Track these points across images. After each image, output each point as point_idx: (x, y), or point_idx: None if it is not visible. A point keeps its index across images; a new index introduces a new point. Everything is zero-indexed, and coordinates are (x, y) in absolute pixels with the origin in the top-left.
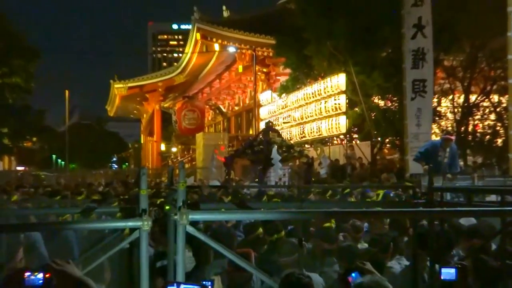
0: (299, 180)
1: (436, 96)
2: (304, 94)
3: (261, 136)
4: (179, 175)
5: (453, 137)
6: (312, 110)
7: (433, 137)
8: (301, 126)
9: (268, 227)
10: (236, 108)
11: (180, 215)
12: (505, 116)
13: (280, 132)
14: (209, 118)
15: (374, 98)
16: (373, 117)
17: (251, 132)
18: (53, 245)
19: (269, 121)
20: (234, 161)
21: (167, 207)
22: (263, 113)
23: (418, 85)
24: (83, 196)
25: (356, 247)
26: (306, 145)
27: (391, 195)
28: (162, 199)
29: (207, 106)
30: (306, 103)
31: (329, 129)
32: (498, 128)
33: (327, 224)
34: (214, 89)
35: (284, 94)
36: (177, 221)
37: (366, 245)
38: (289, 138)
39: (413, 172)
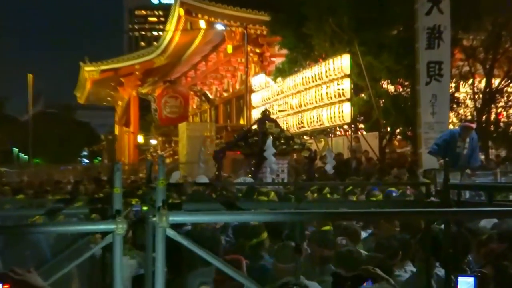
0: (297, 176)
1: (454, 80)
2: (302, 78)
3: (256, 127)
4: (158, 170)
5: (473, 125)
6: (312, 97)
7: (450, 127)
8: (299, 114)
9: (250, 230)
10: (225, 94)
11: (159, 216)
12: None
13: (278, 122)
14: (194, 106)
15: (383, 83)
16: (381, 105)
17: (242, 121)
18: (18, 251)
19: (266, 109)
20: (226, 155)
21: (144, 208)
22: (256, 100)
23: (433, 67)
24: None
25: (359, 252)
26: (305, 137)
27: (394, 194)
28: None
29: (192, 92)
30: (305, 89)
31: (331, 118)
32: None
33: (325, 228)
34: (200, 73)
35: (279, 79)
36: (155, 224)
37: (362, 251)
38: (285, 129)
39: (427, 168)
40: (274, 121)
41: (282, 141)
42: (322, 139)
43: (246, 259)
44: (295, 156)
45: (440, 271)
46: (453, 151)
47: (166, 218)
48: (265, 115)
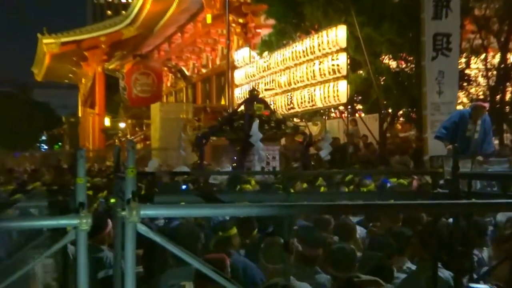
0: (287, 164)
1: (464, 55)
2: (292, 53)
3: (242, 108)
4: (127, 158)
5: (486, 105)
6: (303, 74)
7: (460, 108)
8: (289, 94)
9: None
10: (204, 70)
11: (128, 210)
12: None
13: (269, 103)
14: (168, 84)
15: (384, 58)
16: (382, 83)
17: (223, 102)
18: None
19: (253, 88)
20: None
21: (112, 200)
22: (239, 77)
23: (440, 40)
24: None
25: (353, 250)
26: (295, 119)
27: (388, 184)
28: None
29: (166, 68)
30: (295, 64)
31: (325, 98)
32: None
33: None
34: (175, 46)
35: (266, 53)
36: (124, 218)
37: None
38: (272, 109)
39: (433, 154)
40: (263, 102)
41: (273, 125)
42: (319, 122)
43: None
44: (283, 141)
45: (442, 272)
46: (463, 135)
47: (137, 211)
48: (253, 95)
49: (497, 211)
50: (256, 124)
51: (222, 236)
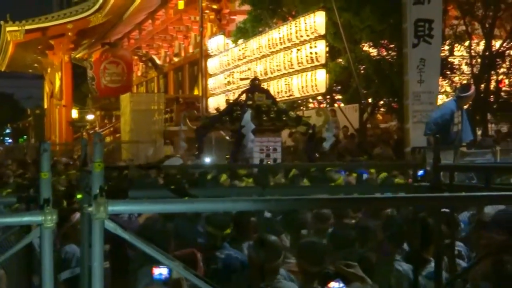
0: (288, 155)
1: (448, 42)
2: (268, 40)
3: (243, 98)
4: (94, 151)
5: (473, 89)
6: (280, 62)
7: (442, 99)
8: (265, 84)
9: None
10: (176, 59)
11: (95, 206)
12: None
13: (271, 93)
14: (139, 74)
15: (364, 45)
16: (362, 72)
17: (196, 92)
18: None
19: (255, 78)
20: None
21: (79, 196)
22: (213, 66)
23: (422, 27)
24: None
25: (323, 245)
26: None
27: (365, 175)
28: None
29: (136, 57)
30: (272, 53)
31: (302, 87)
32: None
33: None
34: (145, 34)
35: (241, 40)
36: (91, 215)
37: None
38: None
39: (415, 146)
40: (265, 92)
41: (272, 115)
42: (322, 113)
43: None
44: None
45: (401, 265)
46: (449, 128)
47: (104, 207)
48: (255, 84)
49: (480, 205)
50: (248, 114)
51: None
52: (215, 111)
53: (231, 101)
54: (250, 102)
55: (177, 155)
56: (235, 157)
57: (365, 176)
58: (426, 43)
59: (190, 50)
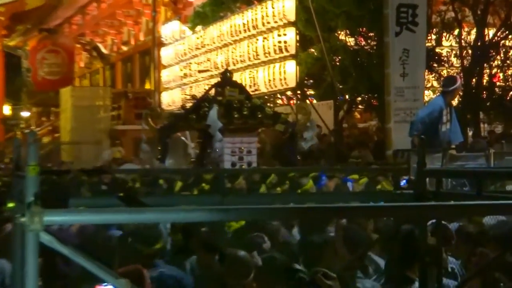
0: (263, 158)
1: (435, 31)
2: (231, 27)
3: (212, 93)
4: (28, 153)
5: (459, 80)
6: (244, 52)
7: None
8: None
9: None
10: (125, 48)
11: (29, 216)
12: None
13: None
14: (82, 64)
15: (340, 34)
16: (337, 63)
17: (148, 86)
18: None
19: (227, 70)
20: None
21: (10, 205)
22: (167, 56)
23: (405, 13)
24: None
25: (248, 257)
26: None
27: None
28: None
29: (79, 46)
30: (235, 41)
31: (269, 81)
32: None
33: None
34: (90, 19)
35: (200, 27)
36: (25, 226)
37: None
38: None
39: (398, 148)
40: (238, 86)
41: (245, 112)
42: (303, 108)
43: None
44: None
45: (363, 284)
46: (437, 128)
47: (40, 218)
48: (226, 78)
49: (470, 215)
50: (214, 111)
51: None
52: (172, 108)
53: (195, 97)
54: (220, 98)
55: (130, 159)
56: (201, 161)
57: (349, 184)
58: (409, 31)
59: (141, 37)
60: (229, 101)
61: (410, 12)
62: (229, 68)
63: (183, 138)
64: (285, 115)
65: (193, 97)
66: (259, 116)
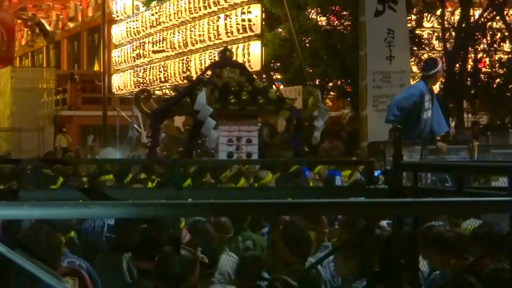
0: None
1: (415, 10)
2: (189, 3)
3: (207, 74)
4: None
5: (440, 63)
6: (204, 31)
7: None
8: (185, 58)
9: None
10: (71, 25)
11: None
12: None
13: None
14: (23, 42)
15: (311, 12)
16: (307, 45)
17: (96, 67)
18: None
19: (226, 48)
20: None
21: None
22: (118, 34)
23: None
24: None
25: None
26: None
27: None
28: None
29: (19, 21)
30: (193, 19)
31: None
32: None
33: None
34: None
35: (155, 2)
36: None
37: None
38: (162, 77)
39: (374, 139)
40: (240, 66)
41: (244, 97)
42: (312, 92)
43: None
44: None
45: None
46: (418, 115)
47: None
48: (225, 57)
49: (448, 213)
50: (202, 94)
51: None
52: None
53: (190, 79)
54: (216, 80)
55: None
56: (189, 151)
57: (338, 178)
58: (391, 10)
59: (90, 13)
60: (226, 84)
61: None
62: (187, 49)
63: (134, 125)
64: (290, 100)
65: (188, 78)
66: (260, 101)
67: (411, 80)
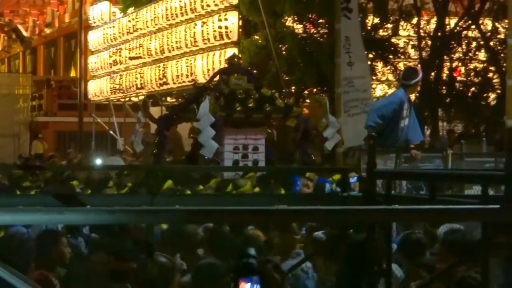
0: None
1: (391, 19)
2: (166, 10)
3: (215, 81)
4: None
5: (421, 73)
6: (180, 38)
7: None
8: (161, 65)
9: None
10: (48, 31)
11: None
12: (502, 55)
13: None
14: (0, 48)
15: (287, 20)
16: (284, 52)
17: (73, 73)
18: None
19: (235, 56)
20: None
21: None
22: (95, 40)
23: None
24: None
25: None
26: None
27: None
28: None
29: None
30: (170, 25)
31: (209, 70)
32: (490, 74)
33: None
34: None
35: (132, 9)
36: None
37: None
38: (138, 84)
39: (349, 145)
40: (248, 73)
41: (251, 105)
42: (321, 100)
43: None
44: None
45: None
46: (396, 123)
47: None
48: (233, 64)
49: (421, 221)
50: (206, 102)
51: None
52: (99, 98)
53: (197, 85)
54: (223, 87)
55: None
56: (192, 159)
57: (327, 186)
58: (346, 18)
59: (67, 19)
60: (232, 91)
61: None
62: (164, 55)
63: (111, 131)
64: (298, 108)
65: (195, 84)
66: (267, 109)
67: (388, 87)
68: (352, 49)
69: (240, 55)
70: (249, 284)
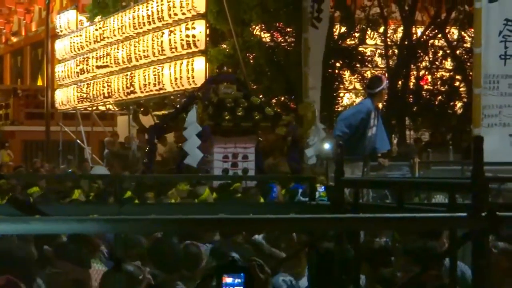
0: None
1: (358, 27)
2: (133, 18)
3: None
4: None
5: (385, 81)
6: (148, 47)
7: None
8: (128, 73)
9: None
10: (14, 39)
11: None
12: (468, 64)
13: (243, 84)
14: None
15: (255, 29)
16: (251, 61)
17: (40, 82)
18: None
19: (223, 65)
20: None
21: None
22: (62, 49)
23: (311, 7)
24: None
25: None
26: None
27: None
28: None
29: None
30: (137, 34)
31: (176, 79)
32: (457, 83)
33: None
34: None
35: (99, 17)
36: None
37: None
38: (105, 93)
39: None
40: (238, 82)
41: (240, 113)
42: (310, 107)
43: None
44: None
45: None
46: (364, 132)
47: None
48: (223, 72)
49: (390, 228)
50: (193, 111)
51: None
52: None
53: (188, 94)
54: (212, 95)
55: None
56: (179, 167)
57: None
58: (313, 27)
59: (33, 28)
60: (221, 100)
61: (315, 6)
62: (131, 64)
63: (78, 140)
64: (287, 116)
65: (186, 94)
66: (256, 117)
67: (355, 96)
68: (310, 60)
69: (207, 64)
70: (231, 278)
